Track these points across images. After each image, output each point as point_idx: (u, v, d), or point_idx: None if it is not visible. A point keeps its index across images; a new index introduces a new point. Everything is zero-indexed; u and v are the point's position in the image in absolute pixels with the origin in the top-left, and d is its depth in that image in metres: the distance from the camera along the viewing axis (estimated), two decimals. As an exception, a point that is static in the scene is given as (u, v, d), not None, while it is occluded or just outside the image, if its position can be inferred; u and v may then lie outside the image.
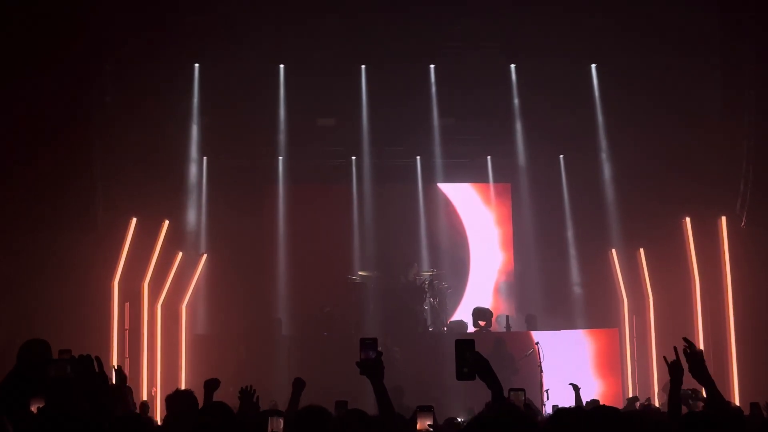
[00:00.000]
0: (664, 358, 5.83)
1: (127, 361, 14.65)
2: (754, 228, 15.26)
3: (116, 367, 7.40)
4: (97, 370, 4.18)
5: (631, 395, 16.61)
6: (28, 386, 4.93)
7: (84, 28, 14.44)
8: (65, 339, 6.47)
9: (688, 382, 5.78)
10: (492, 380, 4.63)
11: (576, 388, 11.51)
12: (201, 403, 6.74)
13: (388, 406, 4.86)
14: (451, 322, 18.50)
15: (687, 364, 5.36)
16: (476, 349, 4.68)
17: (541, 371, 14.61)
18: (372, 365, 4.77)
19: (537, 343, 15.25)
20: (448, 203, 20.84)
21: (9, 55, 13.58)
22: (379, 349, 4.84)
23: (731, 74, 15.90)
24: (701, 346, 14.39)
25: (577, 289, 19.29)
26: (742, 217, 15.43)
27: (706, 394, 5.23)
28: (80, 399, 4.14)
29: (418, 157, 20.37)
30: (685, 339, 5.44)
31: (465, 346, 4.62)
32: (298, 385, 7.32)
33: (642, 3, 16.12)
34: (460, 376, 4.58)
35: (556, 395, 12.93)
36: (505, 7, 16.62)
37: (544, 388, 14.13)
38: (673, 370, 5.72)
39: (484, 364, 4.63)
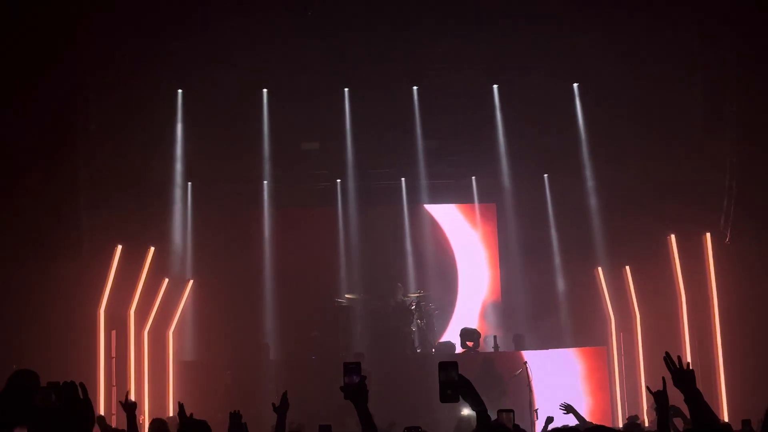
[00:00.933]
0: (648, 388, 5.83)
1: (114, 389, 14.57)
2: (738, 244, 15.34)
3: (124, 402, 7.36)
4: (81, 396, 4.15)
5: (620, 413, 16.64)
6: (12, 415, 4.89)
7: (67, 55, 14.45)
8: (52, 367, 6.45)
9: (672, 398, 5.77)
10: (476, 401, 4.64)
11: (571, 409, 11.51)
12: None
13: (371, 429, 4.85)
14: (439, 343, 18.47)
15: (674, 380, 5.34)
16: (465, 370, 4.69)
17: (531, 391, 14.62)
18: (356, 389, 4.77)
19: (525, 363, 15.27)
20: (434, 224, 20.85)
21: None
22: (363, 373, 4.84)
23: (713, 92, 16.02)
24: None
25: (561, 289, 19.31)
26: (726, 233, 15.51)
27: (691, 411, 5.21)
28: (65, 427, 4.11)
29: (403, 179, 20.39)
30: (668, 356, 5.42)
31: (448, 367, 4.63)
32: (283, 407, 7.20)
33: (623, 22, 16.23)
34: (444, 398, 4.59)
35: (546, 414, 12.90)
36: (487, 27, 16.71)
37: (534, 408, 14.15)
38: (659, 399, 5.72)
39: (468, 385, 4.64)
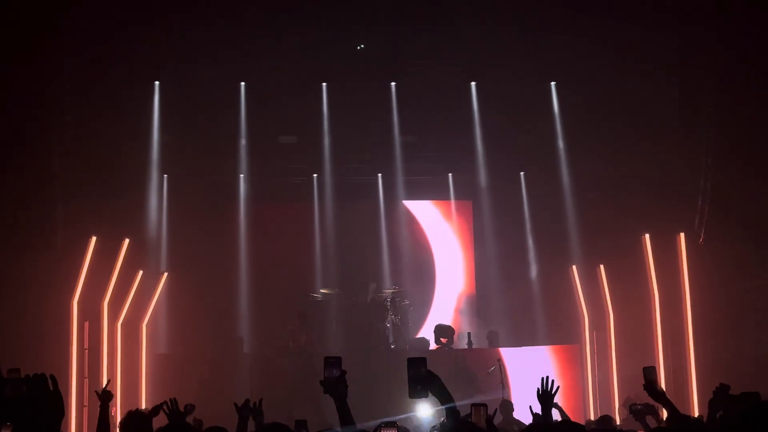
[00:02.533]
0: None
1: (86, 381, 14.50)
2: (711, 244, 15.45)
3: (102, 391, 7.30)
4: (51, 388, 4.14)
5: (592, 410, 16.68)
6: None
7: (43, 45, 14.35)
8: (24, 358, 6.40)
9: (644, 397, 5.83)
10: (444, 396, 4.67)
11: (556, 406, 11.55)
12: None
13: (350, 424, 4.86)
14: (412, 339, 18.47)
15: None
16: (438, 367, 4.71)
17: (503, 388, 14.66)
18: (335, 384, 4.78)
19: (498, 360, 15.31)
20: (412, 220, 20.85)
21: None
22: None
23: (689, 92, 16.13)
24: (660, 362, 14.56)
25: (533, 273, 19.40)
26: (701, 233, 15.62)
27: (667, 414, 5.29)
28: (35, 419, 4.10)
29: (380, 175, 20.37)
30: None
31: (417, 363, 4.66)
32: (245, 411, 7.06)
33: (601, 21, 16.28)
34: (413, 393, 4.62)
35: (520, 411, 12.96)
36: (465, 25, 16.74)
37: (508, 405, 14.15)
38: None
39: (437, 380, 4.67)
